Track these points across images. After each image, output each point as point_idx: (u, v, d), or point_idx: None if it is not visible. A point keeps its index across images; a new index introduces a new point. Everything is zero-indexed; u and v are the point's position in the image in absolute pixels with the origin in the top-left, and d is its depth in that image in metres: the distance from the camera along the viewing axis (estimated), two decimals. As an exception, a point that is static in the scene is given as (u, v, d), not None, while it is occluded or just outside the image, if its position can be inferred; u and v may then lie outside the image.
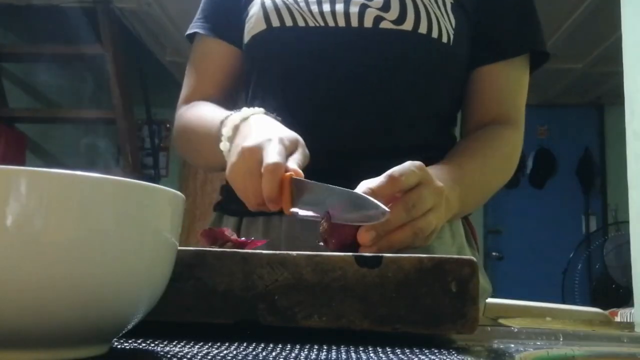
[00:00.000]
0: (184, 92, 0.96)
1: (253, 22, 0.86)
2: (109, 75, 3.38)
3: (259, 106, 0.77)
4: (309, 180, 0.60)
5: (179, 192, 0.37)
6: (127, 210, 0.33)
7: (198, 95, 0.93)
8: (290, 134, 0.67)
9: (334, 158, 0.80)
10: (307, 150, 0.68)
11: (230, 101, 0.94)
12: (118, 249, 0.32)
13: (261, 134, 0.66)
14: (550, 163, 5.00)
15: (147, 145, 4.94)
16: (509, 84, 0.89)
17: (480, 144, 0.85)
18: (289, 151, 0.65)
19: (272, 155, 0.61)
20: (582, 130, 5.07)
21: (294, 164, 0.62)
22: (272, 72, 0.86)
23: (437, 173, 0.69)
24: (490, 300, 1.02)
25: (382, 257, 0.44)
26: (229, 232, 0.60)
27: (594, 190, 5.02)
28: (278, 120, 0.74)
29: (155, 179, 4.75)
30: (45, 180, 0.30)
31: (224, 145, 0.72)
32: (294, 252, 0.45)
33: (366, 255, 0.44)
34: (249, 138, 0.66)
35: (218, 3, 0.94)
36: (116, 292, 0.33)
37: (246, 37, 0.88)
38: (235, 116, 0.73)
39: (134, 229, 0.33)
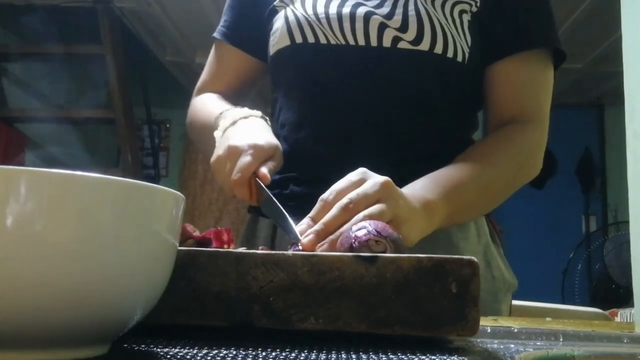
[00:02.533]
0: (198, 85, 1.05)
1: (278, 37, 0.91)
2: (109, 75, 3.38)
3: (287, 115, 0.91)
4: (264, 188, 0.74)
5: (179, 192, 0.37)
6: (127, 210, 0.33)
7: (210, 88, 1.03)
8: (271, 142, 0.78)
9: (356, 169, 0.83)
10: (281, 159, 0.80)
11: (238, 98, 1.02)
12: (118, 249, 0.32)
13: (248, 136, 0.77)
14: (550, 163, 4.99)
15: (147, 145, 4.94)
16: (524, 79, 0.90)
17: (485, 147, 0.86)
18: (266, 156, 0.76)
19: (244, 160, 0.75)
20: (582, 130, 5.07)
21: (265, 169, 0.75)
22: (297, 85, 0.92)
23: (419, 182, 0.76)
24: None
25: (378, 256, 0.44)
26: (191, 229, 0.60)
27: (594, 190, 5.01)
28: (269, 124, 0.85)
29: (155, 179, 4.75)
30: (45, 180, 0.30)
31: (217, 134, 0.83)
32: (290, 252, 0.44)
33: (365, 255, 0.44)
34: (236, 137, 0.78)
35: (239, 12, 1.01)
36: (116, 292, 0.33)
37: (271, 50, 0.94)
38: (236, 112, 0.84)
39: (133, 229, 0.33)
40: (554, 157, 5.00)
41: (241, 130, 0.80)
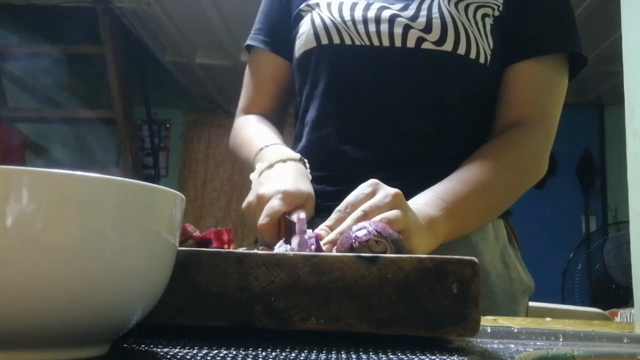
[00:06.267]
0: (242, 101, 1.05)
1: (304, 40, 0.93)
2: (109, 75, 3.38)
3: (309, 114, 0.93)
4: (292, 221, 0.71)
5: (179, 192, 0.37)
6: (127, 210, 0.33)
7: (254, 107, 1.03)
8: (302, 189, 0.77)
9: (377, 168, 0.86)
10: (313, 207, 0.79)
11: (281, 110, 1.05)
12: (118, 249, 0.32)
13: (279, 183, 0.78)
14: (550, 163, 4.97)
15: (147, 145, 4.94)
16: (537, 82, 0.90)
17: (490, 154, 0.86)
18: (296, 203, 0.76)
19: (273, 204, 0.74)
20: (582, 130, 5.06)
21: (300, 214, 0.71)
22: (322, 85, 0.92)
23: (422, 198, 0.77)
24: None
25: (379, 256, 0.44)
26: (191, 229, 0.60)
27: (594, 190, 5.01)
28: (307, 167, 0.85)
29: (155, 179, 4.75)
30: (45, 180, 0.30)
31: (253, 176, 0.84)
32: (291, 252, 0.44)
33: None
34: (267, 184, 0.78)
35: (272, 19, 1.02)
36: (116, 292, 0.33)
37: (297, 53, 0.95)
38: (273, 154, 0.84)
39: (133, 229, 0.33)
40: (554, 157, 4.97)
41: (274, 176, 0.80)
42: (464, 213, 0.79)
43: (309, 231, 0.63)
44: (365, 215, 0.64)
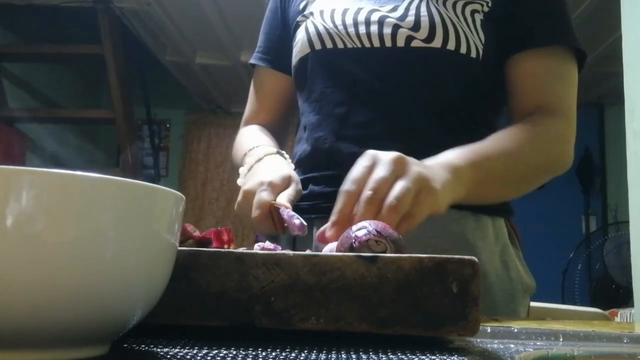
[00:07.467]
0: (244, 114, 1.11)
1: (299, 47, 0.96)
2: (109, 75, 3.38)
3: (307, 118, 0.95)
4: (282, 209, 0.74)
5: (179, 192, 0.37)
6: (127, 210, 0.33)
7: (255, 120, 1.08)
8: (282, 173, 0.80)
9: None
10: (299, 185, 0.81)
11: (282, 123, 1.10)
12: (118, 249, 0.32)
13: (260, 176, 0.80)
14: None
15: (147, 145, 4.94)
16: (544, 72, 0.90)
17: (513, 129, 0.86)
18: (280, 189, 0.78)
19: (259, 196, 0.76)
20: (582, 130, 5.00)
21: (284, 199, 0.76)
22: (318, 89, 0.95)
23: (444, 153, 0.76)
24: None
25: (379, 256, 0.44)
26: (191, 229, 0.60)
27: (594, 190, 5.01)
28: (286, 157, 0.88)
29: (155, 179, 4.74)
30: (45, 180, 0.30)
31: (240, 181, 0.87)
32: (291, 252, 0.44)
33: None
34: (251, 181, 0.81)
35: (272, 37, 1.07)
36: (116, 293, 0.33)
37: (294, 60, 0.99)
38: (251, 158, 0.88)
39: (133, 230, 0.33)
40: (554, 157, 4.98)
41: (254, 173, 0.84)
42: (489, 167, 0.78)
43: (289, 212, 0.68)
44: (376, 194, 0.62)
